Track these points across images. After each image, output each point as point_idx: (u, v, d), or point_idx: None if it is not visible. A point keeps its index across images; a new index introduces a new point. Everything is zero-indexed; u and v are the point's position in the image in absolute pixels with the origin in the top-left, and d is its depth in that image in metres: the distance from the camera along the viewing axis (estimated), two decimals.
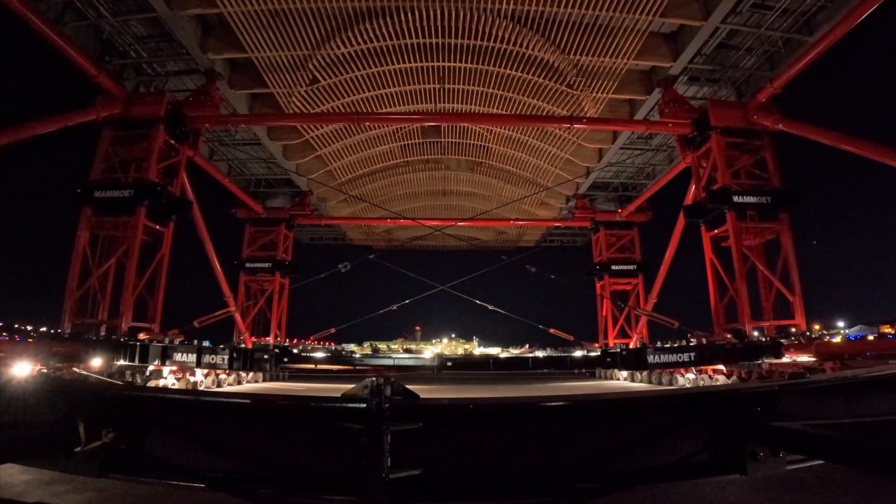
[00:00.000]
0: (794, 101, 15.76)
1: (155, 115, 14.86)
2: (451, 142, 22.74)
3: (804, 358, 12.49)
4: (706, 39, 14.87)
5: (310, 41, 15.23)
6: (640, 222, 25.98)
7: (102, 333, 14.31)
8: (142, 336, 14.57)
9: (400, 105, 19.03)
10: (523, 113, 19.04)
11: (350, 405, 1.71)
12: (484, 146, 23.06)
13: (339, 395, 1.79)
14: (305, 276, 24.75)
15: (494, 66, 16.78)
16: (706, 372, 15.26)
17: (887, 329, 27.38)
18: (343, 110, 18.52)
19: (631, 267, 25.38)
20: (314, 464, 1.78)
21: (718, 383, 14.20)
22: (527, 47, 15.78)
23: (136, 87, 16.44)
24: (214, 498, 1.83)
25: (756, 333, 14.40)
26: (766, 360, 13.07)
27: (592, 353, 20.50)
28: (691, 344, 15.17)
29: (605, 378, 21.89)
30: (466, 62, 16.63)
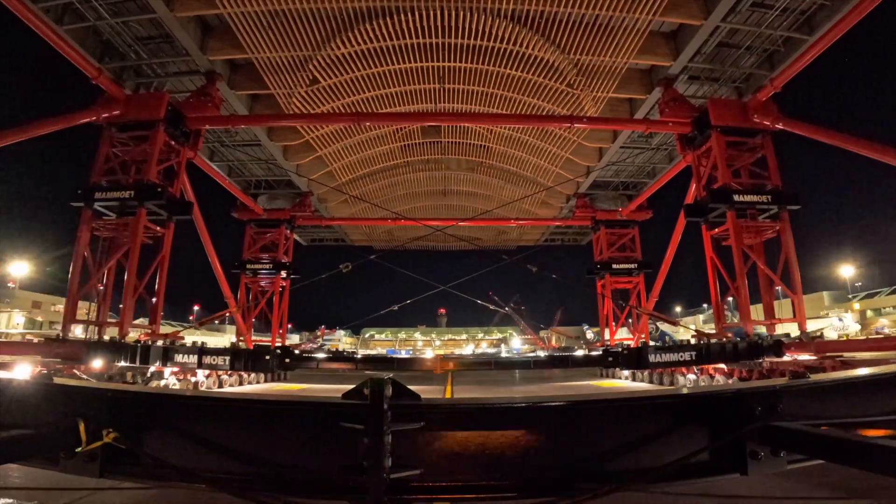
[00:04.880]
0: (795, 99, 15.80)
1: (155, 116, 14.88)
2: (452, 142, 22.76)
3: (805, 356, 12.49)
4: (706, 38, 14.87)
5: (310, 42, 15.24)
6: (641, 221, 26.01)
7: (105, 335, 14.36)
8: (142, 337, 14.61)
9: (400, 105, 19.04)
10: (523, 112, 19.05)
11: (350, 405, 1.71)
12: (484, 146, 23.08)
13: (339, 395, 1.79)
14: (306, 276, 24.98)
15: (494, 65, 16.78)
16: (707, 371, 15.25)
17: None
18: (343, 111, 18.54)
19: (632, 266, 25.40)
20: (314, 464, 1.78)
21: (719, 383, 14.19)
22: (527, 47, 15.79)
23: (136, 89, 16.46)
24: (214, 498, 1.83)
25: (756, 332, 14.41)
26: (766, 360, 13.07)
27: (594, 353, 20.50)
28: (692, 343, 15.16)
29: (607, 377, 21.88)
30: (466, 62, 16.64)
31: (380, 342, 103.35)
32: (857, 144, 13.26)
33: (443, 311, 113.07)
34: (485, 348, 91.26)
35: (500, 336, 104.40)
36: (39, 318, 49.77)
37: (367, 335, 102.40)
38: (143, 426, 1.88)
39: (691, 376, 15.93)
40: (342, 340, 79.78)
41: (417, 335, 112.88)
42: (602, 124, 19.18)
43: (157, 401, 2.10)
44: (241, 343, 21.75)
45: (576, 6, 13.81)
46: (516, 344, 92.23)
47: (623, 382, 19.83)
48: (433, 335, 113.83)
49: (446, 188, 27.38)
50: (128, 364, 12.98)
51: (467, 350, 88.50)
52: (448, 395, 12.69)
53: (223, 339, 39.98)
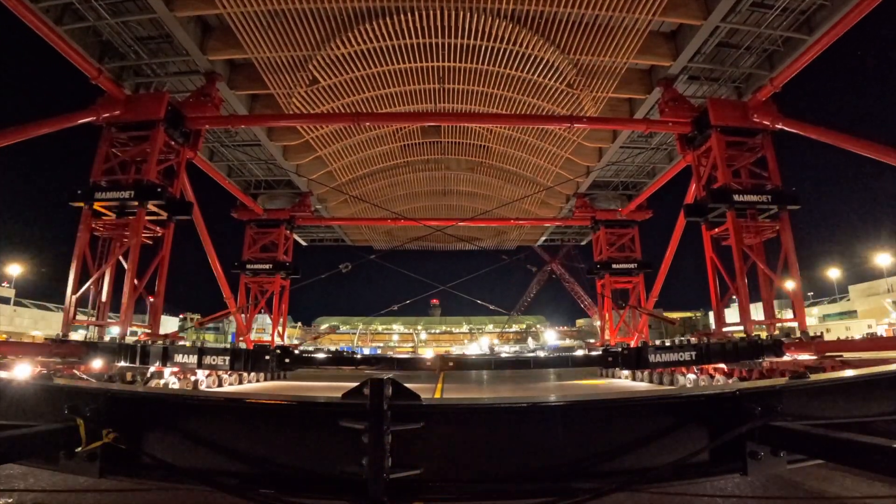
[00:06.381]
0: (795, 99, 15.79)
1: (155, 116, 14.86)
2: (451, 142, 22.75)
3: (805, 356, 12.49)
4: (706, 38, 14.86)
5: (310, 42, 15.23)
6: (641, 221, 26.02)
7: (106, 335, 14.35)
8: (142, 337, 14.60)
9: (400, 105, 19.03)
10: (523, 112, 19.04)
11: (351, 405, 1.71)
12: (484, 146, 23.08)
13: (339, 395, 1.79)
14: (306, 273, 25.06)
15: (494, 65, 16.78)
16: (707, 371, 15.26)
17: None
18: (343, 111, 18.53)
19: (631, 265, 25.39)
20: (314, 464, 1.78)
21: (719, 383, 14.19)
22: (527, 47, 15.78)
23: (136, 89, 16.46)
24: (214, 498, 1.83)
25: (756, 332, 14.41)
26: (766, 359, 13.07)
27: (594, 353, 20.49)
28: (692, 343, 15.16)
29: (606, 377, 21.89)
30: (466, 62, 16.63)
31: (335, 337, 77.69)
32: (857, 144, 13.25)
33: (436, 301, 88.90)
34: (501, 346, 69.18)
35: (516, 329, 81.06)
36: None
37: (322, 326, 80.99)
38: (142, 426, 1.88)
39: (691, 376, 15.94)
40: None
41: (397, 327, 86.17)
42: (602, 124, 19.18)
43: (157, 401, 2.10)
44: (240, 343, 21.75)
45: (576, 6, 13.80)
46: (550, 339, 67.25)
47: (623, 382, 19.83)
48: (419, 327, 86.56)
49: (446, 188, 27.37)
50: (127, 364, 12.98)
51: (473, 349, 68.96)
52: (447, 395, 12.69)
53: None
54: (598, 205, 26.07)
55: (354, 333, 79.08)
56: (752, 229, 15.62)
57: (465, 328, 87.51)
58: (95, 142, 15.09)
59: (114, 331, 14.42)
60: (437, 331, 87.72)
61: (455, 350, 68.30)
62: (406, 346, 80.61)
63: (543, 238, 35.23)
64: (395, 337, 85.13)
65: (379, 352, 63.65)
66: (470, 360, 21.07)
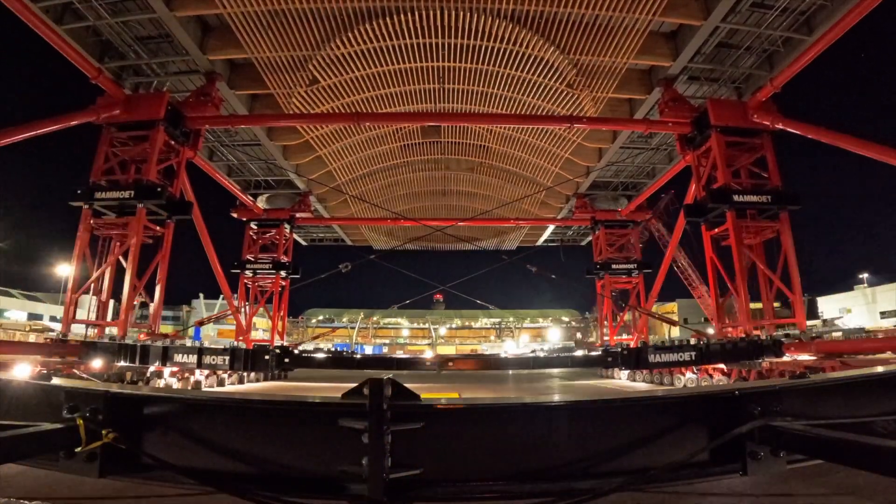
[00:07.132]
0: (795, 100, 15.77)
1: (155, 116, 14.85)
2: (451, 142, 22.76)
3: (805, 357, 12.49)
4: (706, 39, 14.88)
5: (310, 41, 15.24)
6: (640, 221, 26.03)
7: (106, 336, 14.35)
8: (141, 337, 14.60)
9: (400, 105, 19.03)
10: (523, 112, 19.04)
11: (350, 405, 1.71)
12: (484, 146, 23.08)
13: (339, 395, 1.80)
14: (306, 272, 25.08)
15: (494, 65, 16.78)
16: (706, 371, 15.27)
17: None
18: (343, 111, 18.53)
19: (631, 266, 25.39)
20: (314, 464, 1.78)
21: (719, 383, 14.20)
22: (527, 47, 15.79)
23: (136, 88, 16.46)
24: (214, 498, 1.83)
25: (757, 332, 14.41)
26: (766, 359, 13.06)
27: (593, 353, 20.51)
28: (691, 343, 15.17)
29: (606, 377, 21.91)
30: (466, 62, 16.64)
31: (327, 331, 65.29)
32: (857, 144, 13.24)
33: (439, 297, 72.42)
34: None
35: (542, 324, 68.86)
36: None
37: (312, 320, 71.64)
38: (142, 426, 1.88)
39: (691, 375, 15.95)
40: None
41: (401, 321, 73.26)
42: (602, 124, 19.17)
43: (157, 401, 2.10)
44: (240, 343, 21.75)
45: (576, 6, 13.81)
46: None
47: (623, 382, 19.85)
48: (429, 321, 72.47)
49: (446, 188, 27.38)
50: (127, 364, 12.98)
51: (509, 349, 55.90)
52: (448, 395, 12.69)
53: None
54: (598, 205, 26.06)
55: (353, 328, 66.42)
56: (751, 229, 15.62)
57: (482, 322, 73.59)
58: (95, 142, 15.09)
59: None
60: (454, 325, 74.15)
61: (484, 349, 56.76)
62: (421, 344, 68.66)
63: (543, 238, 35.23)
64: (405, 332, 72.73)
65: (385, 350, 56.02)
66: (470, 360, 21.06)
